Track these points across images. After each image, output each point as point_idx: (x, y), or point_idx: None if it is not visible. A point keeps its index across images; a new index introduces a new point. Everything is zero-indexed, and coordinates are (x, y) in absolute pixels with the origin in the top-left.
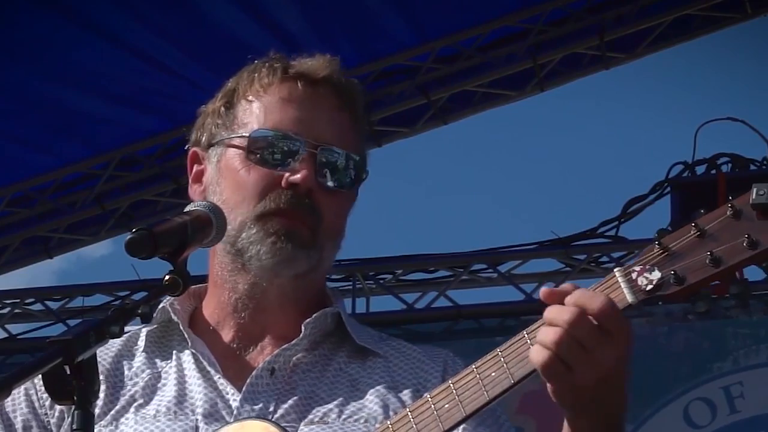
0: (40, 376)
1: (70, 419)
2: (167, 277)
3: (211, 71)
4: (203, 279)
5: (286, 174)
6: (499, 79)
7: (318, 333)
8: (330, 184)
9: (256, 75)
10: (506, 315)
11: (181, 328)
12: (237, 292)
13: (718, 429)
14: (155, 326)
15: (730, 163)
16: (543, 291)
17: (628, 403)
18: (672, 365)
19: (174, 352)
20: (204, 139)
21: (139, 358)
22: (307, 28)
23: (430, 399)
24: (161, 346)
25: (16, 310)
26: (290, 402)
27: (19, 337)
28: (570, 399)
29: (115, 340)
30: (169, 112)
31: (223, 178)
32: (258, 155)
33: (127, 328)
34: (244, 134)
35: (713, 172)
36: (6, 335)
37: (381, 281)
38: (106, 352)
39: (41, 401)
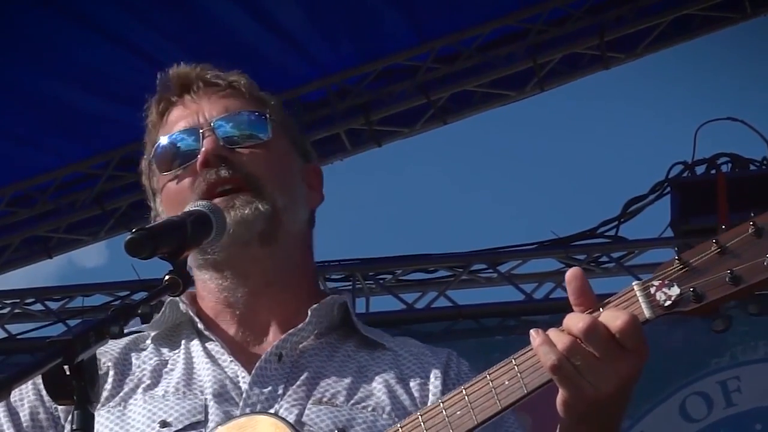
0: (40, 376)
1: (70, 418)
2: (167, 277)
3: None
4: None
5: (198, 159)
6: (499, 79)
7: (323, 325)
8: (239, 142)
9: (148, 117)
10: (506, 315)
11: (192, 314)
12: (222, 289)
13: (715, 422)
14: (163, 328)
15: (730, 163)
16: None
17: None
18: (671, 361)
19: (183, 342)
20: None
21: (148, 350)
22: (308, 28)
23: (442, 404)
24: (169, 341)
25: (16, 310)
26: (298, 382)
27: (19, 337)
28: (580, 409)
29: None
30: None
31: (162, 206)
32: (167, 164)
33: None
34: (149, 159)
35: (713, 172)
36: (6, 335)
37: (381, 281)
38: (114, 343)
39: None
